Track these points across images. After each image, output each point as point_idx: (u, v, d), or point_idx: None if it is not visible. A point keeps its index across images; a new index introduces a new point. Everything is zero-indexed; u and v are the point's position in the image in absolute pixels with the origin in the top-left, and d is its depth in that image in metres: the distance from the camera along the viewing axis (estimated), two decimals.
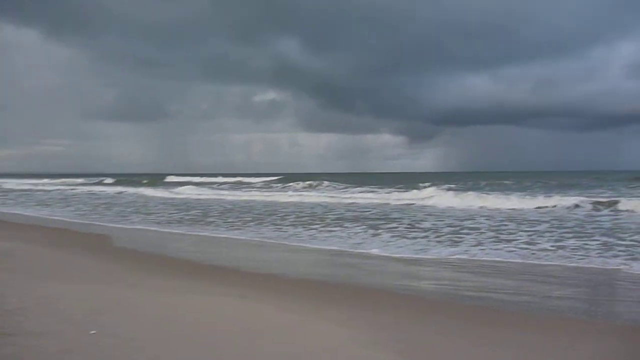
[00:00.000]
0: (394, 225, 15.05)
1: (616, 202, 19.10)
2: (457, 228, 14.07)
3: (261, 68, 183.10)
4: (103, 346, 4.33)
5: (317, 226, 15.16)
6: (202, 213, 20.51)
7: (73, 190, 43.69)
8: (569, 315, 5.97)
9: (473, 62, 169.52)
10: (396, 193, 30.42)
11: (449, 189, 29.05)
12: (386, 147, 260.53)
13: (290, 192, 33.78)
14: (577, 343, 4.87)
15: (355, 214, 19.13)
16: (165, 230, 14.92)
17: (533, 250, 10.37)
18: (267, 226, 15.43)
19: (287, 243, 12.02)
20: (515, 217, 16.74)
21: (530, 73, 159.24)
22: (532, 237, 12.18)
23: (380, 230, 13.84)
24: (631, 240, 11.34)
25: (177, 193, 36.22)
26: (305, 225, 15.35)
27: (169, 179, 64.75)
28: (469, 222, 15.61)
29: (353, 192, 33.71)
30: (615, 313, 6.19)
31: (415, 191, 29.22)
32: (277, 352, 4.38)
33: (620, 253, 9.78)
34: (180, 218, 18.47)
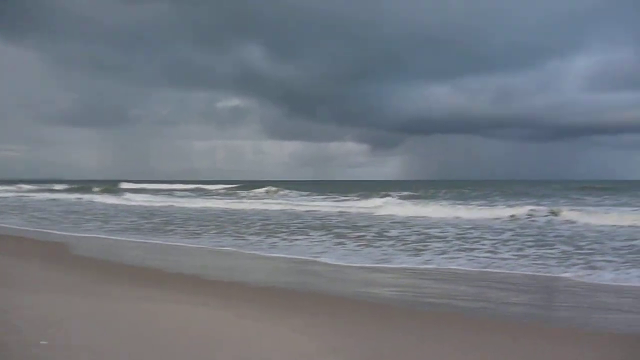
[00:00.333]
0: (346, 232, 15.15)
1: (560, 212, 19.64)
2: (423, 236, 14.28)
3: (225, 74, 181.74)
4: (52, 357, 4.15)
5: (280, 234, 15.09)
6: (161, 221, 20.08)
7: (26, 197, 41.92)
8: (524, 321, 6.13)
9: (435, 72, 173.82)
10: (356, 201, 30.68)
11: (405, 198, 29.45)
12: (350, 155, 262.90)
13: (247, 200, 33.54)
14: (531, 346, 5.02)
15: (314, 222, 19.13)
16: (122, 238, 14.51)
17: (490, 257, 10.63)
18: (227, 234, 15.24)
19: (246, 251, 11.88)
20: (459, 225, 17.13)
21: (491, 84, 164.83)
22: (473, 244, 12.49)
23: (341, 239, 13.89)
24: (574, 249, 11.80)
25: (129, 200, 35.37)
26: (262, 234, 15.23)
27: (125, 185, 62.98)
28: (434, 230, 15.88)
29: (314, 200, 33.77)
30: (568, 318, 6.40)
31: (374, 200, 29.48)
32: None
33: (562, 261, 10.14)
34: (137, 226, 18.02)
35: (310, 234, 15.06)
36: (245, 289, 7.83)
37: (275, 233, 15.31)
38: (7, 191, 51.35)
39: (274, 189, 46.67)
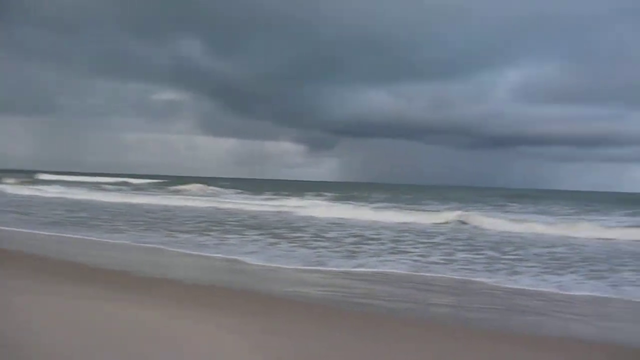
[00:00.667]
0: (279, 232, 15.15)
1: (479, 219, 20.53)
2: (360, 239, 14.48)
3: (162, 66, 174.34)
4: None
5: (212, 232, 14.83)
6: (87, 215, 19.23)
7: None
8: (447, 322, 6.39)
9: (372, 77, 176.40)
10: (286, 200, 30.58)
11: (334, 199, 29.67)
12: (287, 154, 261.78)
13: (172, 196, 32.58)
14: (451, 345, 5.23)
15: (245, 221, 18.94)
16: (44, 232, 13.60)
17: (418, 261, 10.97)
18: (154, 231, 14.82)
19: (174, 249, 11.54)
20: (375, 227, 17.62)
21: (427, 91, 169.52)
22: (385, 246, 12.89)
23: (274, 239, 13.86)
24: (501, 254, 12.45)
25: (44, 191, 33.48)
26: (190, 232, 14.88)
27: (43, 176, 59.28)
28: (352, 230, 16.17)
29: (246, 198, 33.44)
30: (487, 320, 6.71)
31: (301, 200, 29.54)
32: (167, 359, 4.23)
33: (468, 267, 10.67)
34: (58, 220, 17.05)
35: (245, 233, 14.93)
36: (175, 286, 7.64)
37: (205, 231, 15.00)
38: None
39: (199, 185, 45.30)
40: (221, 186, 48.76)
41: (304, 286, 8.40)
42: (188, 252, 11.14)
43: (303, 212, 22.87)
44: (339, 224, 18.80)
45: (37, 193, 32.24)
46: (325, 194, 41.52)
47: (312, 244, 12.91)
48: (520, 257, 12.00)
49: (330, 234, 15.21)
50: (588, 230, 17.77)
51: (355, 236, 14.96)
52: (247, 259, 10.38)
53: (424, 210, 25.48)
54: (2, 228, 14.04)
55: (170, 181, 60.17)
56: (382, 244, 13.48)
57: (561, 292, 8.29)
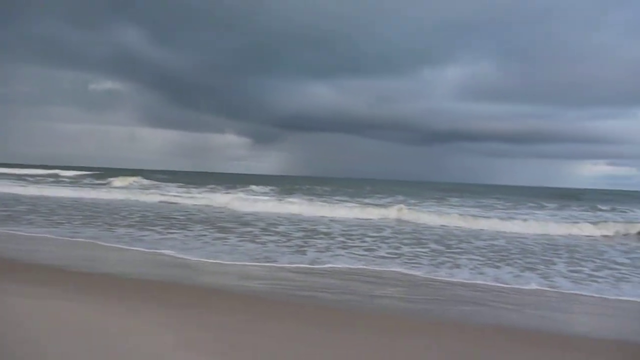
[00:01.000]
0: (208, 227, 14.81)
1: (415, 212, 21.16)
2: (309, 234, 14.35)
3: (100, 55, 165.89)
4: None
5: (156, 227, 14.26)
6: (26, 208, 17.89)
7: None
8: (387, 313, 6.41)
9: (315, 71, 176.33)
10: (218, 194, 29.81)
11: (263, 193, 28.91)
12: (230, 147, 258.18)
13: (102, 189, 31.06)
14: (392, 336, 5.23)
15: (177, 214, 18.44)
16: None
17: (367, 255, 11.02)
18: (84, 225, 14.10)
19: (109, 244, 11.01)
20: (307, 220, 17.72)
21: (369, 87, 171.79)
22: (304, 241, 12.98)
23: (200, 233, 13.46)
24: (445, 248, 12.77)
25: None
26: (126, 225, 14.30)
27: None
28: (279, 227, 16.09)
29: (182, 192, 32.43)
30: (426, 310, 6.80)
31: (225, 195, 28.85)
32: (99, 356, 4.02)
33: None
34: None
35: (166, 229, 14.46)
36: (110, 282, 7.27)
37: (113, 226, 14.44)
38: None
39: (132, 178, 43.12)
40: (159, 179, 46.92)
41: (245, 280, 8.21)
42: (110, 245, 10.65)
43: (247, 208, 22.45)
44: (286, 217, 18.66)
45: None
46: (268, 187, 41.11)
47: (258, 239, 12.70)
48: (462, 250, 12.33)
49: (280, 228, 15.05)
50: (522, 225, 18.47)
51: (304, 230, 14.87)
52: (169, 252, 10.07)
53: (368, 204, 25.75)
54: None
55: (104, 173, 57.63)
56: (332, 238, 13.47)
57: (498, 284, 8.59)
